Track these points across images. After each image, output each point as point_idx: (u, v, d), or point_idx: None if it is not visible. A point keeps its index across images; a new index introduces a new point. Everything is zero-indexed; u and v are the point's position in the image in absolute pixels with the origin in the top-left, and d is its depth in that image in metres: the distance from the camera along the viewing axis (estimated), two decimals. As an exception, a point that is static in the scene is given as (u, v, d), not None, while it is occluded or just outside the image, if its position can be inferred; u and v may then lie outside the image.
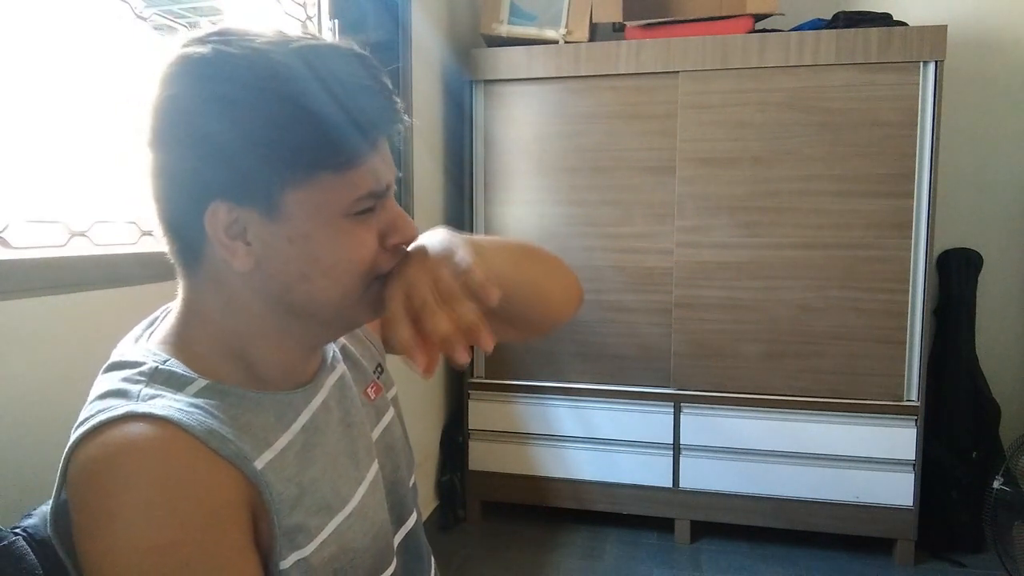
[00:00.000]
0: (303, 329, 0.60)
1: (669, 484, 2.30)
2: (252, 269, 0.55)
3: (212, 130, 0.52)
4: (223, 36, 0.53)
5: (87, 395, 0.56)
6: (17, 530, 0.62)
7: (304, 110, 0.51)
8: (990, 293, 2.45)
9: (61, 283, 0.95)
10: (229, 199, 0.53)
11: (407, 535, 0.71)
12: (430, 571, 0.78)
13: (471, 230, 2.38)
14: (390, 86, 0.56)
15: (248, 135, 0.52)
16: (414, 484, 0.78)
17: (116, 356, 0.59)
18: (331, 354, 0.68)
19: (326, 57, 0.53)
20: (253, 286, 0.57)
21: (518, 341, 0.82)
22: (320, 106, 0.51)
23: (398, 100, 0.56)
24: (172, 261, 0.59)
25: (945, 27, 1.99)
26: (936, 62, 2.01)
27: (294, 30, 0.57)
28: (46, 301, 0.93)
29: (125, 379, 0.55)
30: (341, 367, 0.69)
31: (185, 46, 0.53)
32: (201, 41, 0.53)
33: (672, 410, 2.28)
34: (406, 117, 0.57)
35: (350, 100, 0.53)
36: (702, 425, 2.26)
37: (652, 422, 2.29)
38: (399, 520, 0.71)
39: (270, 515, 0.54)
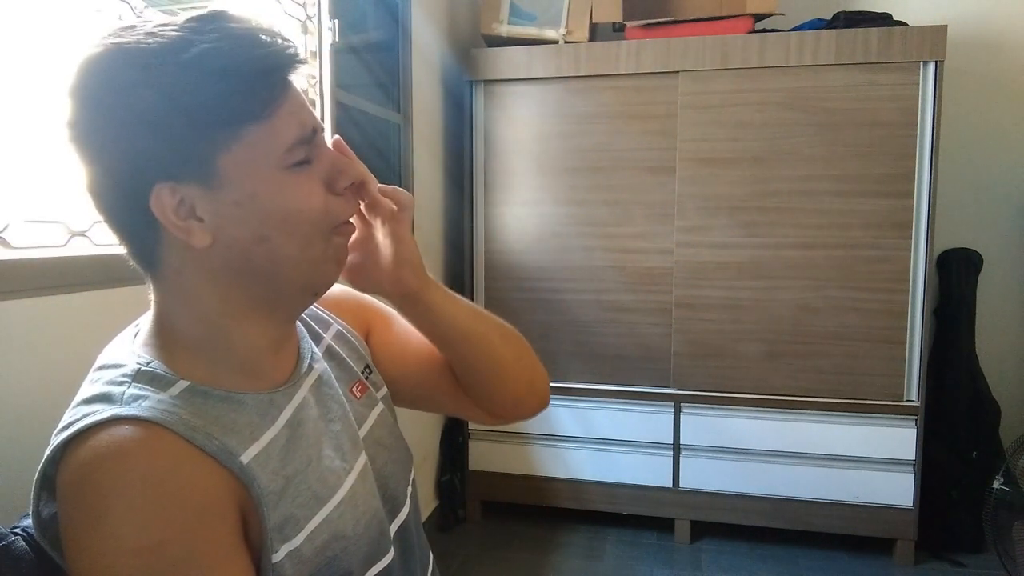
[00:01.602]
0: (266, 303, 0.60)
1: (669, 484, 2.30)
2: (211, 244, 0.56)
3: (133, 116, 0.52)
4: (117, 33, 0.54)
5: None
6: (17, 530, 0.62)
7: (209, 71, 0.52)
8: (990, 293, 2.45)
9: (61, 283, 0.95)
10: (169, 179, 0.54)
11: (401, 526, 0.72)
12: (428, 565, 0.78)
13: (471, 230, 2.38)
14: (278, 31, 0.58)
15: (167, 110, 0.52)
16: (412, 480, 0.78)
17: (102, 359, 0.60)
18: (308, 356, 0.68)
19: (212, 21, 0.55)
20: (214, 266, 0.57)
21: (487, 422, 0.84)
22: (222, 63, 0.53)
23: (289, 41, 0.58)
24: (133, 264, 0.60)
25: (945, 27, 1.99)
26: (936, 62, 2.01)
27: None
28: (46, 301, 0.93)
29: (109, 382, 0.55)
30: (320, 366, 0.69)
31: (85, 54, 0.54)
32: (97, 44, 0.54)
33: (672, 410, 2.28)
34: (302, 56, 0.58)
35: (248, 51, 0.54)
36: (702, 425, 2.26)
37: (652, 422, 2.29)
38: (392, 512, 0.72)
39: (259, 509, 0.55)
